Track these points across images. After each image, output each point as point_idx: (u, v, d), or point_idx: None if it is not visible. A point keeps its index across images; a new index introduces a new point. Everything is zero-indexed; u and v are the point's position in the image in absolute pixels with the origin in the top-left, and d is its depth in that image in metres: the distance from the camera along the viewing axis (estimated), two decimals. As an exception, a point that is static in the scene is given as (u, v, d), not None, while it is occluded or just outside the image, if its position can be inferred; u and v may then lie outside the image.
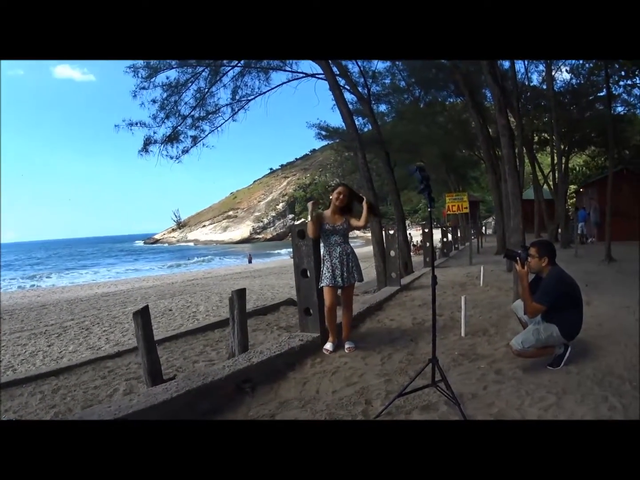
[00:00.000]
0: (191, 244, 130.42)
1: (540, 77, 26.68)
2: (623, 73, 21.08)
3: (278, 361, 5.45)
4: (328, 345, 6.18)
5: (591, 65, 22.88)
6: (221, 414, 4.34)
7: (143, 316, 6.07)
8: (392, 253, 11.90)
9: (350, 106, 17.53)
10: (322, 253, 6.25)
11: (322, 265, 6.13)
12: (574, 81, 25.05)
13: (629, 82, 22.66)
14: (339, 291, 6.28)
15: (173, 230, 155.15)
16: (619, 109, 26.99)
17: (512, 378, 4.84)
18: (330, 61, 15.27)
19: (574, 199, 40.00)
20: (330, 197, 6.15)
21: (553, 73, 23.85)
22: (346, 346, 6.18)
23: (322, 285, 6.09)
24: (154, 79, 16.29)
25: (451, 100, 27.98)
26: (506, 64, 21.56)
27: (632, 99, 25.73)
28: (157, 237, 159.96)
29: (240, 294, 6.95)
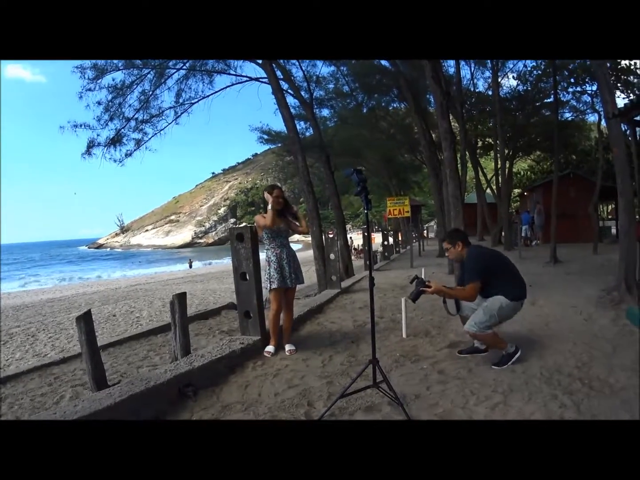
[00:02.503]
0: (134, 249, 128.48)
1: (487, 84, 27.12)
2: (572, 80, 21.69)
3: (219, 364, 5.48)
4: (269, 348, 6.24)
5: (539, 72, 23.53)
6: (164, 418, 4.36)
7: (86, 321, 6.09)
8: (332, 256, 12.01)
9: (293, 110, 17.75)
10: (266, 256, 6.31)
11: (268, 268, 6.23)
12: (520, 87, 25.52)
13: (579, 88, 23.35)
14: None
15: (117, 234, 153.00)
16: (567, 114, 27.79)
17: (455, 378, 4.94)
18: (274, 65, 15.42)
19: (518, 203, 40.70)
20: (267, 198, 6.15)
21: (499, 79, 24.40)
22: (287, 348, 6.25)
23: (272, 287, 6.13)
24: (100, 80, 16.23)
25: (394, 105, 28.28)
26: (451, 69, 22.01)
27: (581, 105, 26.44)
28: (100, 241, 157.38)
29: (181, 298, 7.01)
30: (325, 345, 6.59)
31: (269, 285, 6.17)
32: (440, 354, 5.86)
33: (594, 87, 21.15)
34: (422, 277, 5.38)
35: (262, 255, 6.37)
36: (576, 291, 9.34)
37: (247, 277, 6.32)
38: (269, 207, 6.06)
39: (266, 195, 6.15)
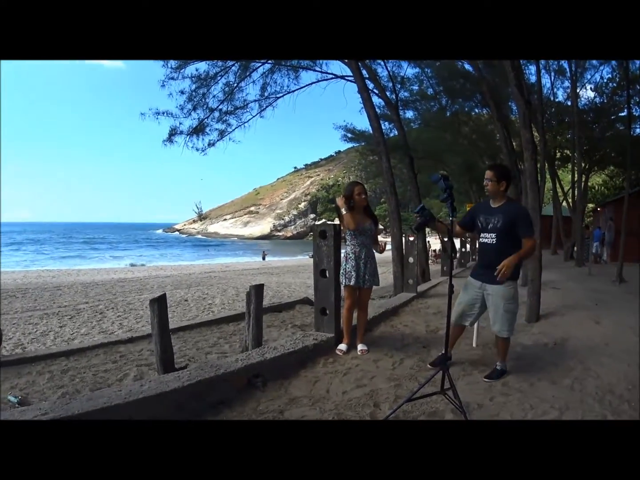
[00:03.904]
0: (211, 236, 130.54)
1: (565, 94, 26.32)
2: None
3: (291, 358, 5.43)
4: (342, 346, 6.15)
5: (614, 85, 22.76)
6: (230, 406, 4.33)
7: (160, 304, 6.13)
8: (411, 259, 11.81)
9: (377, 110, 17.44)
10: (345, 252, 6.19)
11: (344, 264, 6.09)
12: (597, 99, 24.71)
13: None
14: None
15: (194, 221, 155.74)
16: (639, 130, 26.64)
17: (518, 391, 4.82)
18: (359, 64, 15.25)
19: (591, 218, 39.53)
20: (354, 196, 5.99)
21: (578, 90, 23.60)
22: (359, 348, 6.13)
23: (346, 284, 6.06)
24: (183, 70, 16.25)
25: (477, 111, 27.74)
26: (532, 77, 21.41)
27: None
28: (177, 227, 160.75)
29: (258, 289, 6.98)
30: (397, 347, 6.46)
31: (343, 280, 6.09)
32: (506, 365, 5.58)
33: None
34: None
35: (343, 251, 6.25)
36: (635, 312, 8.89)
37: (327, 275, 6.27)
38: (343, 211, 5.92)
39: (338, 200, 6.00)
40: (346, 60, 15.31)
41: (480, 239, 5.20)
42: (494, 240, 5.01)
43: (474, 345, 6.67)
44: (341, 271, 6.14)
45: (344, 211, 5.90)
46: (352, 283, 6.01)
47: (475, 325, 6.44)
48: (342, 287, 6.25)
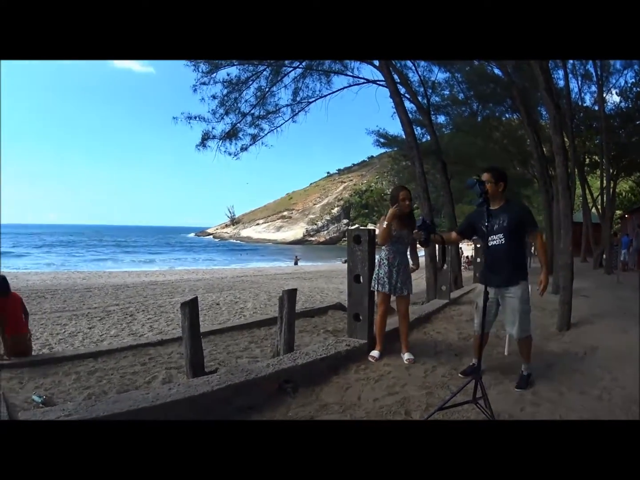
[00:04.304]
0: (243, 241, 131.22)
1: (592, 99, 25.96)
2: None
3: (322, 364, 5.37)
4: (374, 353, 6.06)
5: (639, 89, 22.41)
6: (260, 412, 4.30)
7: (191, 307, 6.14)
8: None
9: (409, 115, 17.36)
10: (379, 257, 6.10)
11: (378, 269, 6.02)
12: (622, 104, 24.38)
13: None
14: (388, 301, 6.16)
15: (226, 225, 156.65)
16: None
17: (548, 401, 4.75)
18: (391, 68, 15.16)
19: (619, 225, 38.89)
20: (398, 201, 5.87)
21: (604, 95, 23.37)
22: (405, 357, 6.02)
23: (377, 290, 6.01)
24: (214, 74, 16.36)
25: (507, 116, 27.48)
26: (561, 82, 21.14)
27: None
28: (209, 231, 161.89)
29: (291, 294, 6.98)
30: (430, 355, 6.39)
31: (375, 285, 6.03)
32: (537, 374, 5.53)
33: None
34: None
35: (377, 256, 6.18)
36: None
37: (361, 280, 6.21)
38: (385, 224, 5.86)
39: (390, 211, 5.84)
40: (377, 65, 15.33)
41: (488, 243, 5.15)
42: (503, 240, 5.01)
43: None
44: (374, 276, 6.06)
45: (385, 222, 5.84)
46: (381, 290, 5.97)
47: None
48: (376, 293, 6.17)
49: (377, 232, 5.98)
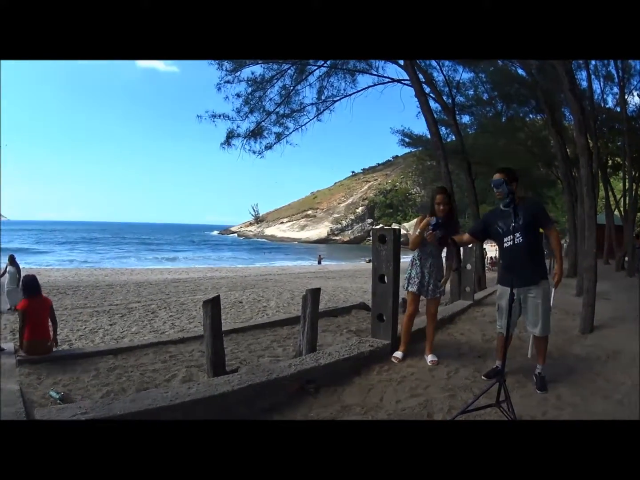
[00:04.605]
0: (267, 239, 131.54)
1: (615, 100, 25.60)
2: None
3: (345, 365, 5.33)
4: (397, 354, 5.99)
5: None
6: (281, 412, 4.27)
7: (213, 306, 6.12)
8: (469, 266, 11.59)
9: (434, 115, 17.25)
10: (412, 256, 6.05)
11: (410, 269, 5.98)
12: None
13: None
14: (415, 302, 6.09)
15: (250, 224, 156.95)
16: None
17: (570, 405, 4.68)
18: (415, 68, 15.08)
19: (640, 227, 38.35)
20: (433, 204, 5.76)
21: (625, 96, 23.01)
22: (429, 359, 5.95)
23: (409, 290, 5.95)
24: (238, 73, 16.39)
25: (531, 116, 27.24)
26: (583, 83, 20.91)
27: None
28: (233, 229, 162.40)
29: (315, 293, 6.93)
30: (453, 357, 6.31)
31: (406, 284, 5.96)
32: (560, 378, 5.48)
33: None
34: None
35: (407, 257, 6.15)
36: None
37: (386, 280, 6.15)
38: (417, 231, 5.75)
39: (427, 219, 5.66)
40: (402, 64, 15.28)
41: (505, 244, 5.12)
42: (520, 239, 4.91)
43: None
44: (405, 275, 6.01)
45: (418, 228, 5.76)
46: (412, 290, 5.89)
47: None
48: (406, 293, 6.11)
49: (410, 232, 5.95)
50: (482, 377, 5.38)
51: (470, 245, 11.41)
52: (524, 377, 5.46)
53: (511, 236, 4.96)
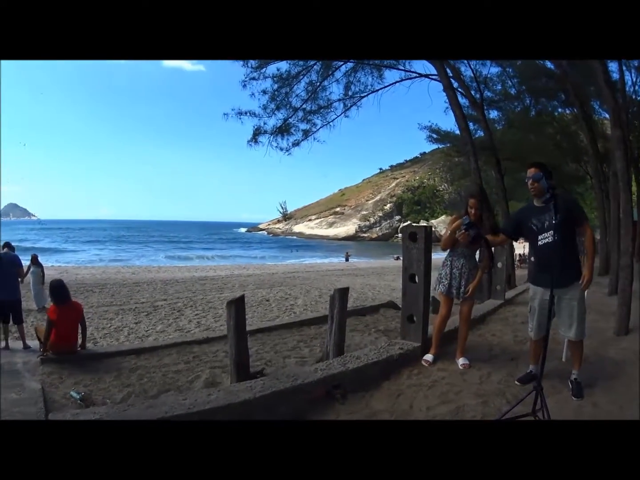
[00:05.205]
0: (296, 236, 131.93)
1: None
2: None
3: (374, 369, 5.16)
4: (428, 357, 5.82)
5: None
6: (302, 419, 4.15)
7: (237, 306, 5.97)
8: (500, 265, 11.37)
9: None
10: (445, 257, 5.91)
11: (441, 269, 5.84)
12: None
13: None
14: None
15: (279, 221, 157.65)
16: None
17: (606, 413, 4.47)
18: (444, 63, 14.88)
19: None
20: (467, 208, 5.60)
21: None
22: (460, 362, 5.77)
23: (439, 290, 5.81)
24: (264, 69, 16.31)
25: (560, 110, 26.84)
26: (614, 75, 20.53)
27: None
28: (261, 226, 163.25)
29: (343, 293, 6.72)
30: (484, 359, 6.12)
31: (437, 285, 5.82)
32: (595, 382, 5.29)
33: None
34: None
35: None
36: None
37: (416, 280, 5.99)
38: (449, 231, 5.64)
39: (460, 220, 5.46)
40: (430, 59, 15.01)
41: (539, 242, 4.93)
42: (555, 237, 4.65)
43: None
44: (437, 276, 5.87)
45: (448, 230, 5.65)
46: (442, 291, 5.77)
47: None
48: (438, 294, 5.99)
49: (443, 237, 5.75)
50: (516, 382, 5.21)
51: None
52: (559, 383, 5.27)
53: (546, 233, 4.80)
